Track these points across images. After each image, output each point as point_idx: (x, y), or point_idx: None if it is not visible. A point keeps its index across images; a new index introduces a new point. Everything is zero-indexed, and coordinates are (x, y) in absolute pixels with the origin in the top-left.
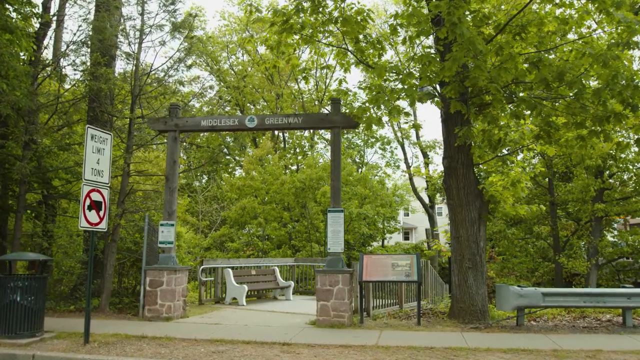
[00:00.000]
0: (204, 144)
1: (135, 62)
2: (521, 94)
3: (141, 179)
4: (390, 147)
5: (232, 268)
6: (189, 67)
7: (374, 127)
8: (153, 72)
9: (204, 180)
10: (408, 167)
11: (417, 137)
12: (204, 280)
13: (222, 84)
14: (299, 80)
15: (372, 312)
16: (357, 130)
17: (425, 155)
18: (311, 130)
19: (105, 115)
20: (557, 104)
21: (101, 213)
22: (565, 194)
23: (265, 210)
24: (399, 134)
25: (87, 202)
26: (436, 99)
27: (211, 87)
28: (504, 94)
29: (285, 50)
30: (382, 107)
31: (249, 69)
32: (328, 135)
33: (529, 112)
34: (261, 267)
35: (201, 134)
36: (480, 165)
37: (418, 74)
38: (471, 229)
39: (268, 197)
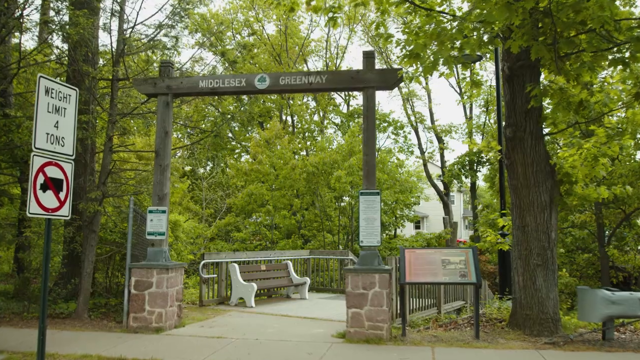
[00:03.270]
0: (209, 129)
1: (119, 12)
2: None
3: (133, 157)
4: (404, 131)
5: (239, 263)
6: (185, 17)
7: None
8: (141, 24)
9: (208, 167)
10: (422, 152)
11: (432, 121)
12: (205, 277)
13: (227, 65)
14: (307, 60)
15: (408, 317)
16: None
17: (440, 140)
18: (321, 114)
19: (86, 78)
20: None
21: (61, 195)
22: (610, 176)
23: (274, 197)
24: (412, 118)
25: (41, 179)
26: (505, 43)
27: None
28: (601, 38)
29: None
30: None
31: (255, 50)
32: (338, 120)
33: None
34: (272, 262)
35: (206, 120)
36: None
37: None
38: (541, 216)
39: (277, 183)
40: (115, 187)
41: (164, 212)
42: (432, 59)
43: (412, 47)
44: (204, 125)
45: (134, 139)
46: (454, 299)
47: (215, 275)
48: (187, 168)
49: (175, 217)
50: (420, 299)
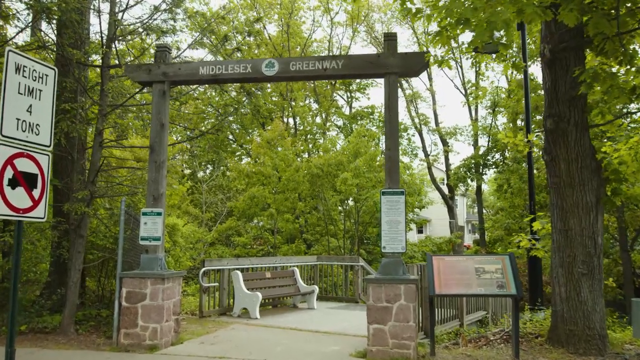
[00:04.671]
0: (209, 129)
1: None
2: None
3: (130, 158)
4: (407, 134)
5: (242, 270)
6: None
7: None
8: (138, 3)
9: (208, 171)
10: (426, 155)
11: (436, 123)
12: (205, 286)
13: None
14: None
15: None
16: (374, 116)
17: (444, 143)
18: (324, 115)
19: (73, 65)
20: None
21: (35, 193)
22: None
23: (277, 200)
24: (416, 120)
25: (9, 173)
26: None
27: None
28: None
29: None
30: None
31: (255, 51)
32: (340, 122)
33: None
34: (277, 268)
35: (206, 122)
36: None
37: None
38: (586, 218)
39: (280, 185)
40: (108, 187)
41: (159, 214)
42: (489, 21)
43: (458, 14)
44: (203, 127)
45: (131, 136)
46: (475, 309)
47: (217, 284)
48: (187, 171)
49: (174, 221)
50: (442, 310)
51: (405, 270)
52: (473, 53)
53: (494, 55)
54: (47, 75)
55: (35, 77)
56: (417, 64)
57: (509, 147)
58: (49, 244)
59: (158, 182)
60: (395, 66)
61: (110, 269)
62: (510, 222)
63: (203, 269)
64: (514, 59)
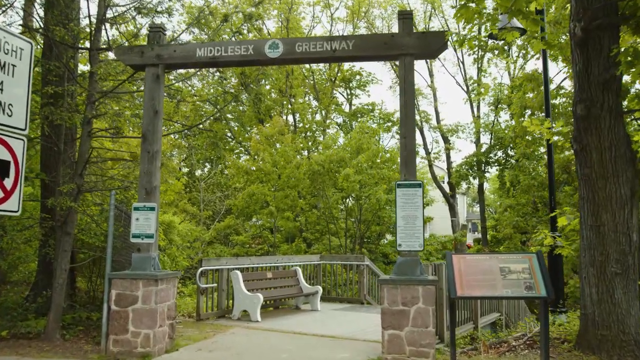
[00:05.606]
0: (209, 127)
1: None
2: None
3: (126, 154)
4: None
5: (241, 270)
6: None
7: None
8: None
9: (206, 169)
10: (427, 153)
11: (438, 120)
12: (203, 287)
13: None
14: None
15: (446, 334)
16: (374, 113)
17: (446, 141)
18: (324, 113)
19: (60, 47)
20: None
21: (7, 182)
22: None
23: (277, 198)
24: (417, 117)
25: None
26: None
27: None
28: None
29: None
30: None
31: None
32: (340, 119)
33: None
34: (279, 268)
35: (204, 120)
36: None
37: None
38: (620, 213)
39: (279, 182)
40: (98, 181)
41: (152, 209)
42: None
43: None
44: (202, 125)
45: (127, 133)
46: (489, 311)
47: (215, 284)
48: (185, 169)
49: (170, 218)
50: (456, 312)
51: (422, 270)
52: (498, 31)
53: (496, 52)
54: (22, 49)
55: (8, 49)
56: (435, 43)
57: (516, 142)
58: (37, 243)
59: (151, 173)
60: (411, 46)
61: (103, 268)
62: (518, 220)
63: (200, 269)
64: (519, 47)
